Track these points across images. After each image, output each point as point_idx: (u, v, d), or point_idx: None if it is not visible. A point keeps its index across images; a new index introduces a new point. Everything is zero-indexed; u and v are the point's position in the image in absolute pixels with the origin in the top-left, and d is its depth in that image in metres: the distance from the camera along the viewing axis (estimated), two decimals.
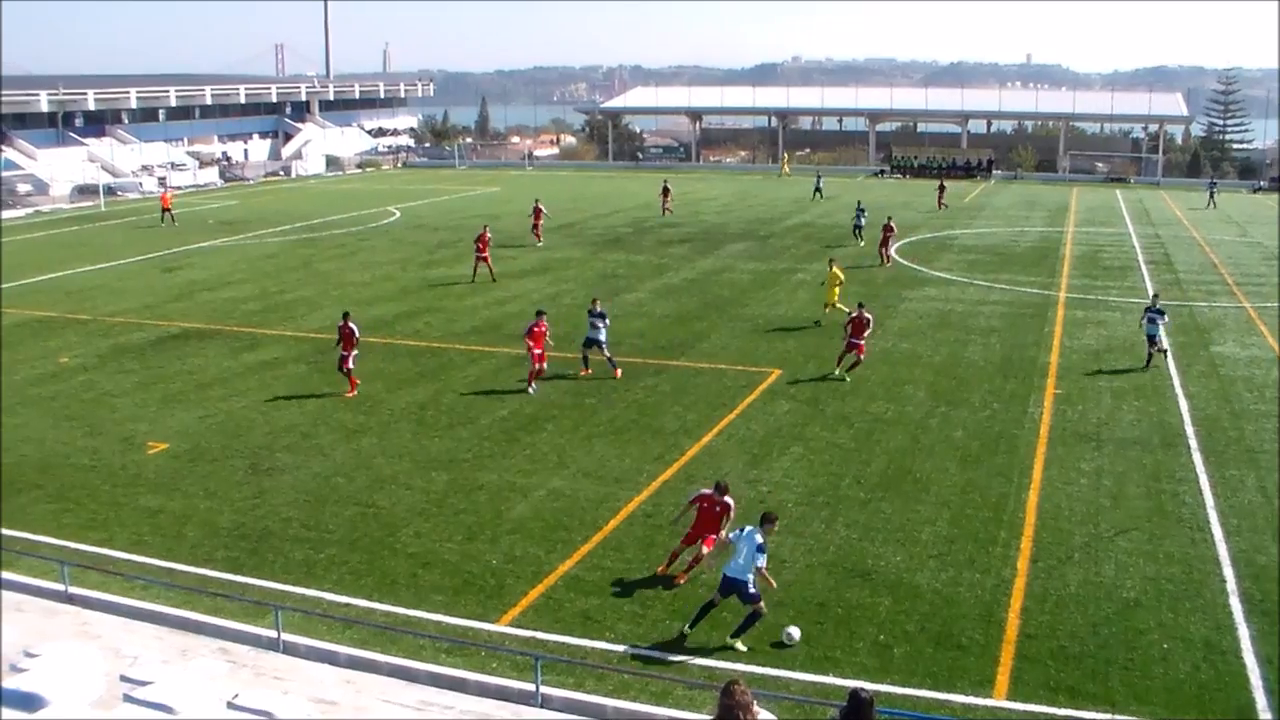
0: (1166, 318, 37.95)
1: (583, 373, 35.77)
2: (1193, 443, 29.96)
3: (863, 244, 64.35)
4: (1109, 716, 16.87)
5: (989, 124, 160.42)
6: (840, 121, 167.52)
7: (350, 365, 33.20)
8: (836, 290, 43.60)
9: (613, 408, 32.09)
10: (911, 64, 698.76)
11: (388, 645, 18.40)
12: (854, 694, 12.34)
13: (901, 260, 60.03)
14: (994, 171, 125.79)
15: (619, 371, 35.42)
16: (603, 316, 35.74)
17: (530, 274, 54.33)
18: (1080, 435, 30.34)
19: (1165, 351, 37.89)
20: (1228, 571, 21.99)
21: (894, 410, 32.27)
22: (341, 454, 28.20)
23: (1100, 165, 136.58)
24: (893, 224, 59.87)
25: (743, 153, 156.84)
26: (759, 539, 18.46)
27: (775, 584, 19.28)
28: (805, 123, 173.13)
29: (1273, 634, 19.46)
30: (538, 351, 33.83)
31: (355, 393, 33.29)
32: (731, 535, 19.25)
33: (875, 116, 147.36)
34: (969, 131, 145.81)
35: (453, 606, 19.97)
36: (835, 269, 44.17)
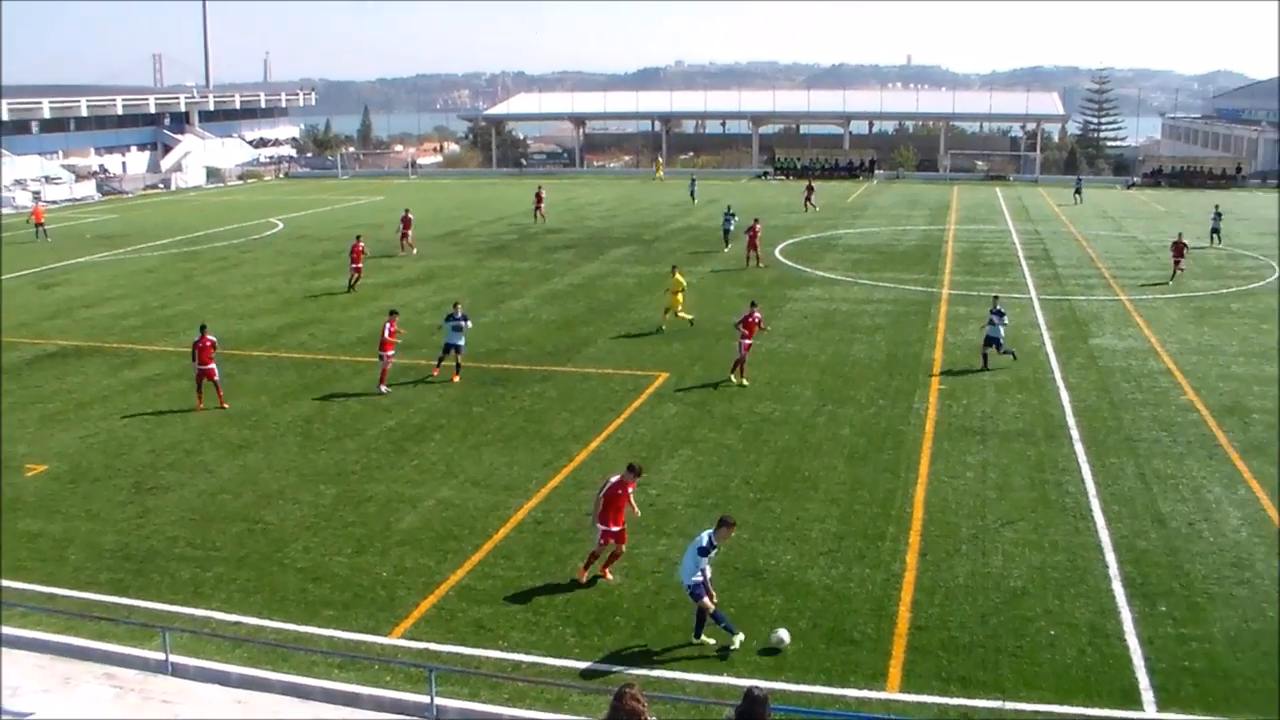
0: (1007, 319, 38.29)
1: (433, 372, 36.31)
2: (1074, 433, 30.62)
3: (728, 249, 64.44)
4: (999, 704, 17.21)
5: (871, 125, 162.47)
6: (723, 124, 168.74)
7: (216, 377, 32.99)
8: (679, 297, 43.37)
9: (500, 415, 32.06)
10: (794, 66, 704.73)
11: (279, 663, 18.22)
12: (748, 693, 12.44)
13: (786, 261, 60.58)
14: (876, 171, 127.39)
15: (457, 377, 35.83)
16: (465, 319, 36.14)
17: (415, 283, 54.05)
18: (965, 429, 30.86)
19: (1012, 354, 38.17)
20: (1110, 557, 22.56)
21: (781, 410, 32.56)
22: (227, 470, 27.85)
23: (980, 164, 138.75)
24: (758, 226, 59.83)
25: (626, 157, 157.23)
26: (704, 542, 18.52)
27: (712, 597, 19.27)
28: (689, 126, 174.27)
29: (1154, 616, 20.01)
30: (388, 354, 34.56)
31: (227, 405, 33.05)
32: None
33: (758, 119, 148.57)
34: (851, 132, 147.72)
35: (344, 621, 19.81)
36: (678, 276, 43.90)
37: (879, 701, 17.32)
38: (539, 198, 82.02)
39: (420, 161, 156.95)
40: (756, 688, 12.65)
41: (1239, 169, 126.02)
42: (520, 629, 19.46)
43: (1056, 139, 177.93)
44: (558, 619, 19.83)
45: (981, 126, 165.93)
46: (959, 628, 19.57)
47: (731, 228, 65.67)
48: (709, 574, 18.84)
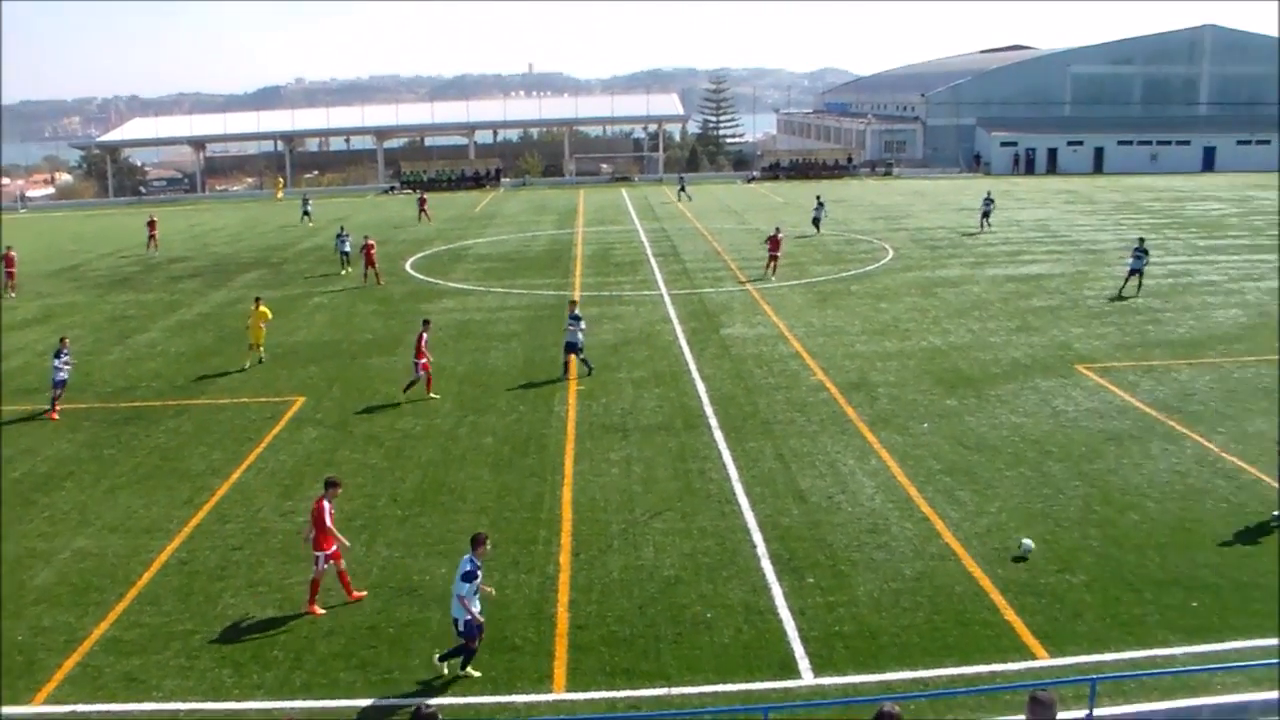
0: (584, 324, 37.89)
1: (52, 417, 34.68)
2: (713, 421, 31.54)
3: (346, 271, 62.55)
4: (665, 691, 17.57)
5: (495, 134, 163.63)
6: (348, 141, 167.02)
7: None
8: (262, 329, 40.95)
9: (134, 455, 30.74)
10: (416, 79, 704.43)
11: None
12: (416, 712, 12.37)
13: (417, 275, 60.27)
14: (503, 180, 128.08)
15: (55, 414, 34.67)
16: (62, 355, 34.94)
17: (32, 324, 51.15)
18: (606, 427, 31.38)
19: (587, 365, 37.42)
20: (756, 537, 23.38)
21: (422, 425, 32.38)
22: None
23: (605, 166, 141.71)
24: (373, 244, 59.23)
25: (250, 179, 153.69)
26: (466, 566, 17.99)
27: (491, 594, 19.07)
28: (313, 144, 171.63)
29: (802, 588, 20.88)
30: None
31: None
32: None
33: (382, 134, 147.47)
34: (476, 142, 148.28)
35: None
36: (262, 308, 41.21)
37: (547, 704, 17.43)
38: (151, 225, 78.84)
39: (30, 194, 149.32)
40: (424, 705, 12.58)
41: (850, 159, 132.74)
42: (174, 676, 18.68)
43: (678, 138, 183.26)
44: (213, 661, 19.14)
45: (605, 130, 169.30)
46: (618, 622, 19.89)
47: (347, 248, 63.50)
48: (478, 607, 18.19)
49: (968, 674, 17.86)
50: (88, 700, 18.11)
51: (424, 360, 34.93)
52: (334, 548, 21.07)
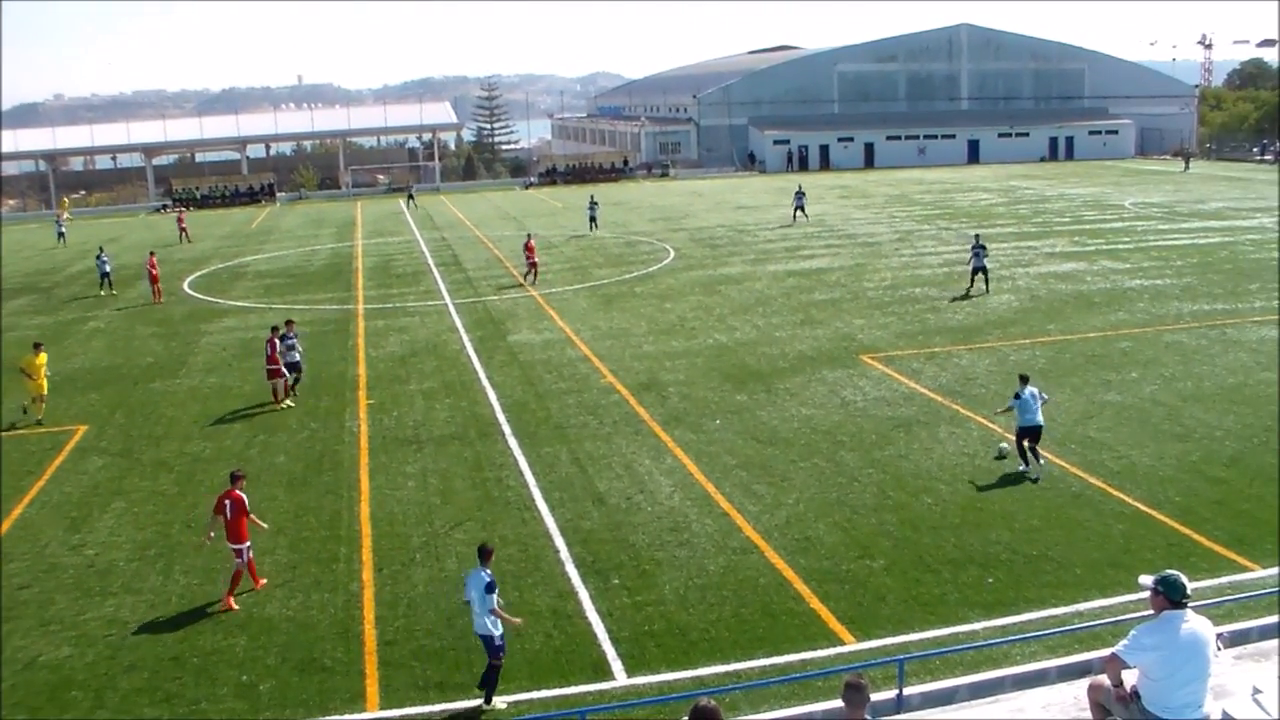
0: (300, 344, 37.17)
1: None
2: (506, 429, 31.49)
3: (106, 292, 60.43)
4: (478, 702, 17.46)
5: (268, 147, 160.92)
6: (115, 159, 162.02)
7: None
8: (44, 380, 36.45)
9: None
10: (182, 94, 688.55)
11: None
12: None
13: (196, 294, 58.82)
14: (278, 194, 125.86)
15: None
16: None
17: None
18: (400, 440, 31.08)
19: (295, 388, 36.62)
20: (559, 542, 23.44)
21: (212, 447, 31.59)
22: None
23: (382, 177, 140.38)
24: (155, 258, 58.26)
25: (11, 201, 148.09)
26: (485, 576, 17.41)
27: (518, 620, 18.42)
28: (77, 163, 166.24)
29: (608, 590, 21.03)
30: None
31: None
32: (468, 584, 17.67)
33: (151, 150, 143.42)
34: (249, 157, 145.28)
35: None
36: (41, 356, 36.68)
37: None
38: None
39: None
40: None
41: (625, 161, 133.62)
42: None
43: (454, 146, 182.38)
44: (6, 709, 18.33)
45: (379, 140, 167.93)
46: (427, 635, 19.73)
47: (108, 269, 61.15)
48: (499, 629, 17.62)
49: (779, 664, 18.17)
50: None
51: (277, 367, 35.05)
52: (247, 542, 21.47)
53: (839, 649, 18.50)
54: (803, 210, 78.57)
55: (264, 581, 22.12)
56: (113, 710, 18.02)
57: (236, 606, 21.18)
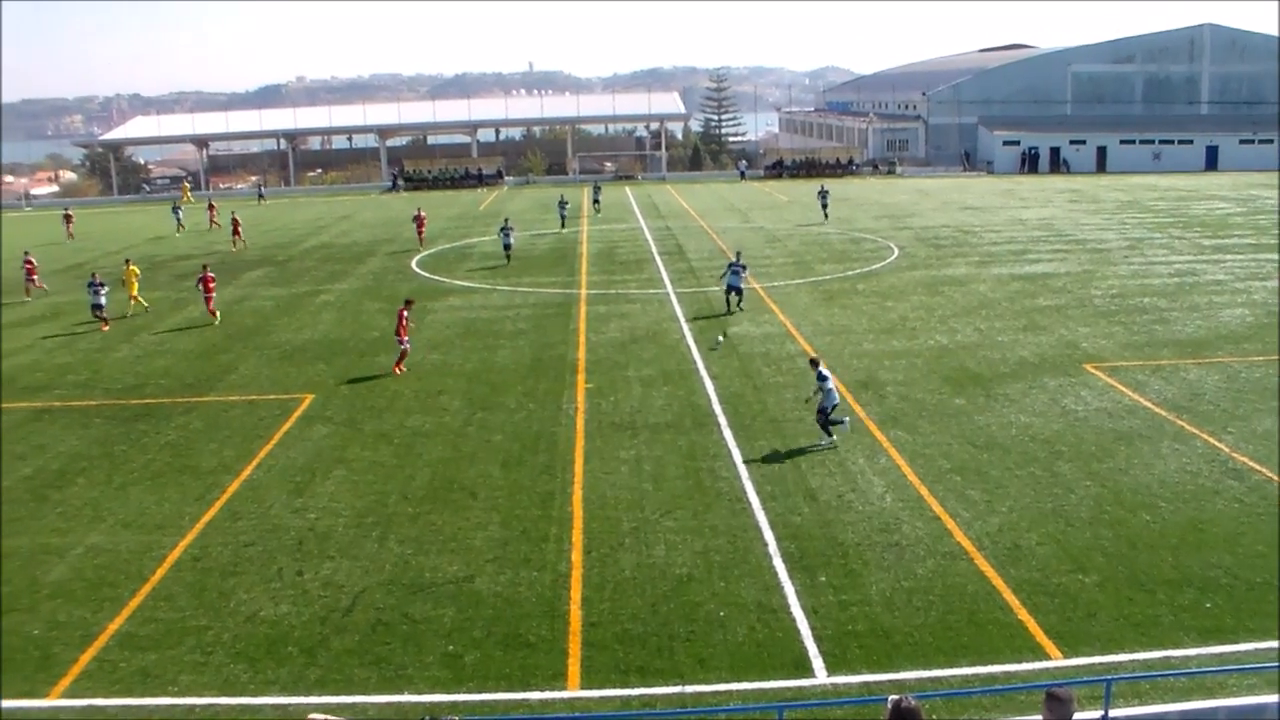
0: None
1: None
2: (722, 420, 31.54)
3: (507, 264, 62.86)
4: (679, 689, 17.58)
5: (498, 132, 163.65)
6: (350, 139, 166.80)
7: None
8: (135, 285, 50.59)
9: (146, 452, 30.78)
10: (417, 78, 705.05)
11: None
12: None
13: (423, 272, 60.31)
14: (506, 178, 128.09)
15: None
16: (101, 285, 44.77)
17: (41, 320, 51.18)
18: (616, 425, 31.39)
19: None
20: (768, 535, 23.34)
21: (432, 422, 32.41)
22: None
23: (608, 164, 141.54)
24: (424, 214, 61.43)
25: (254, 177, 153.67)
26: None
27: None
28: (315, 143, 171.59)
29: (815, 587, 20.86)
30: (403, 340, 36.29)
31: None
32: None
33: (385, 132, 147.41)
34: (479, 141, 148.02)
35: None
36: (131, 267, 50.83)
37: (562, 701, 17.42)
38: (68, 219, 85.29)
39: (35, 192, 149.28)
40: (432, 714, 12.58)
41: (852, 158, 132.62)
42: (189, 671, 18.72)
43: (680, 137, 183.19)
44: (227, 656, 19.17)
45: (607, 128, 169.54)
46: (631, 619, 19.90)
47: (511, 241, 64.06)
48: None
49: (982, 673, 17.86)
50: (104, 695, 18.13)
51: (404, 339, 38.11)
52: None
53: (1045, 663, 18.09)
54: (825, 209, 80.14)
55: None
56: (324, 669, 18.63)
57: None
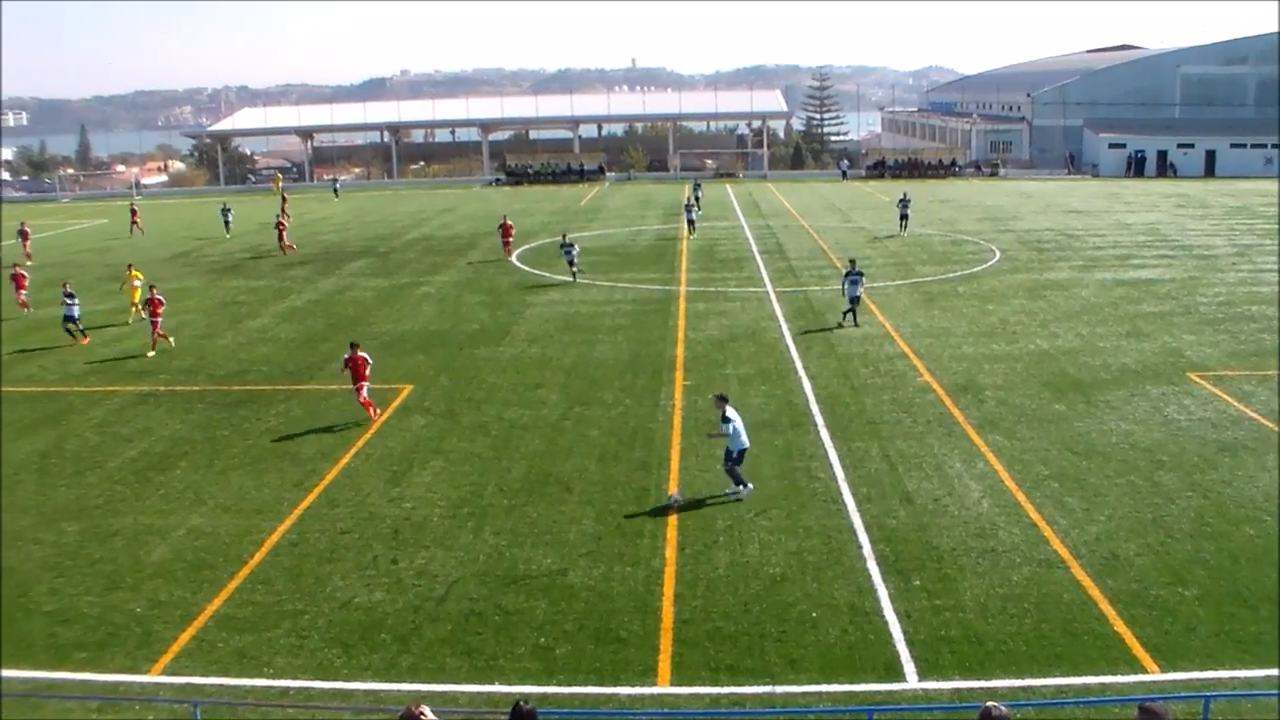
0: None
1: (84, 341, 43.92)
2: (819, 420, 31.42)
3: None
4: (769, 689, 17.56)
5: (600, 128, 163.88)
6: (453, 133, 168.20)
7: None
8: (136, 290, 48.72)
9: (247, 438, 31.28)
10: (520, 73, 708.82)
11: (31, 713, 17.42)
12: (515, 707, 12.46)
13: (523, 266, 60.68)
14: (608, 174, 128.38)
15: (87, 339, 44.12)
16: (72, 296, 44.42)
17: (147, 306, 52.07)
18: (713, 423, 31.31)
19: None
20: (862, 538, 23.23)
21: (529, 415, 32.59)
22: None
23: (710, 162, 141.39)
24: (510, 224, 63.04)
25: (357, 169, 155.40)
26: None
27: None
28: (418, 136, 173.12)
29: (908, 591, 20.73)
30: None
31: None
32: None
33: (487, 126, 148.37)
34: (580, 136, 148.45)
35: (99, 662, 18.97)
36: (134, 271, 50.11)
37: (651, 697, 17.47)
38: (134, 213, 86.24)
39: (145, 181, 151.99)
40: (524, 700, 12.66)
41: (954, 160, 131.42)
42: (284, 654, 19.03)
43: (782, 135, 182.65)
44: (322, 641, 19.45)
45: (709, 125, 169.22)
46: (723, 617, 19.89)
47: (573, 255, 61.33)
48: None
49: (1075, 684, 17.61)
50: (202, 674, 18.49)
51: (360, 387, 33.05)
52: None
53: (1141, 677, 17.78)
54: (905, 220, 72.74)
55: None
56: (416, 656, 18.85)
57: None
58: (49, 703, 17.69)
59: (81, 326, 44.39)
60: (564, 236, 59.63)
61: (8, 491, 27.67)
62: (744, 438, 25.61)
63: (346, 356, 32.90)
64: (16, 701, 17.64)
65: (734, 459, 25.55)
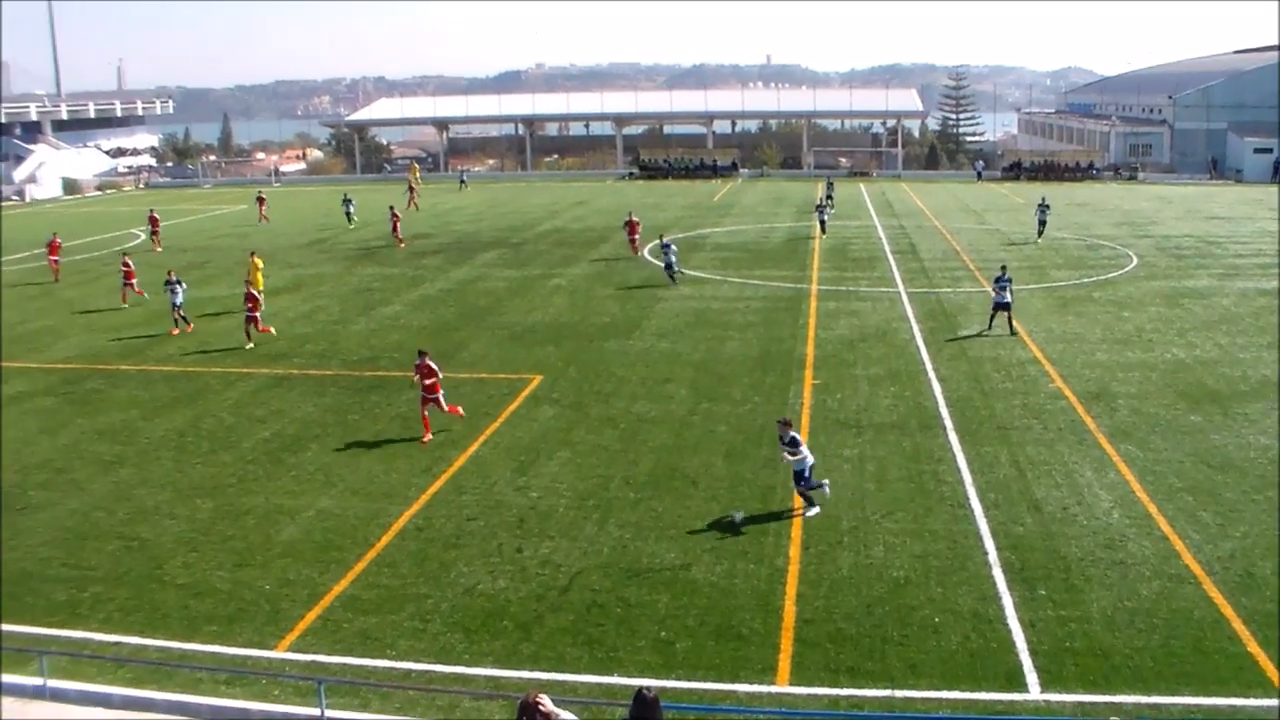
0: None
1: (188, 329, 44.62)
2: (948, 423, 31.11)
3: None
4: (889, 692, 17.45)
5: (733, 124, 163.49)
6: (587, 126, 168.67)
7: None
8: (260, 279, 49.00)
9: (377, 422, 31.79)
10: (654, 67, 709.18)
11: (163, 682, 17.86)
12: (638, 695, 12.51)
13: (654, 260, 60.76)
14: (740, 170, 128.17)
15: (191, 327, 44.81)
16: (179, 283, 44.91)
17: (283, 291, 53.18)
18: (841, 423, 31.21)
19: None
20: (988, 544, 22.97)
21: (657, 409, 32.68)
22: (100, 487, 27.21)
23: (843, 160, 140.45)
24: (636, 220, 63.99)
25: (491, 161, 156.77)
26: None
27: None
28: (552, 128, 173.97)
29: (1034, 600, 20.43)
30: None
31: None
32: None
33: (621, 120, 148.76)
34: (714, 132, 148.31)
35: (228, 636, 19.50)
36: (255, 259, 51.23)
37: (770, 695, 17.45)
38: (261, 201, 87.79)
39: (283, 169, 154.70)
40: (646, 689, 12.70)
41: (1092, 163, 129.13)
42: (408, 637, 19.34)
43: (917, 134, 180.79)
44: (444, 625, 19.72)
45: (843, 123, 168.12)
46: (845, 619, 19.80)
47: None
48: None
49: (1205, 704, 17.20)
50: (327, 652, 18.92)
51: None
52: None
53: (1275, 700, 17.32)
54: (1043, 226, 70.14)
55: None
56: (537, 644, 19.05)
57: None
58: (179, 673, 18.13)
59: (184, 313, 44.97)
60: (662, 237, 58.61)
61: (146, 467, 28.47)
62: (809, 457, 25.22)
63: (417, 363, 31.24)
64: (151, 670, 18.10)
65: (806, 478, 25.10)
